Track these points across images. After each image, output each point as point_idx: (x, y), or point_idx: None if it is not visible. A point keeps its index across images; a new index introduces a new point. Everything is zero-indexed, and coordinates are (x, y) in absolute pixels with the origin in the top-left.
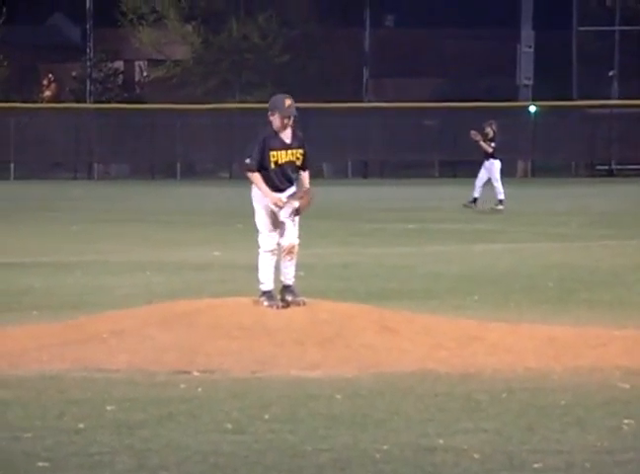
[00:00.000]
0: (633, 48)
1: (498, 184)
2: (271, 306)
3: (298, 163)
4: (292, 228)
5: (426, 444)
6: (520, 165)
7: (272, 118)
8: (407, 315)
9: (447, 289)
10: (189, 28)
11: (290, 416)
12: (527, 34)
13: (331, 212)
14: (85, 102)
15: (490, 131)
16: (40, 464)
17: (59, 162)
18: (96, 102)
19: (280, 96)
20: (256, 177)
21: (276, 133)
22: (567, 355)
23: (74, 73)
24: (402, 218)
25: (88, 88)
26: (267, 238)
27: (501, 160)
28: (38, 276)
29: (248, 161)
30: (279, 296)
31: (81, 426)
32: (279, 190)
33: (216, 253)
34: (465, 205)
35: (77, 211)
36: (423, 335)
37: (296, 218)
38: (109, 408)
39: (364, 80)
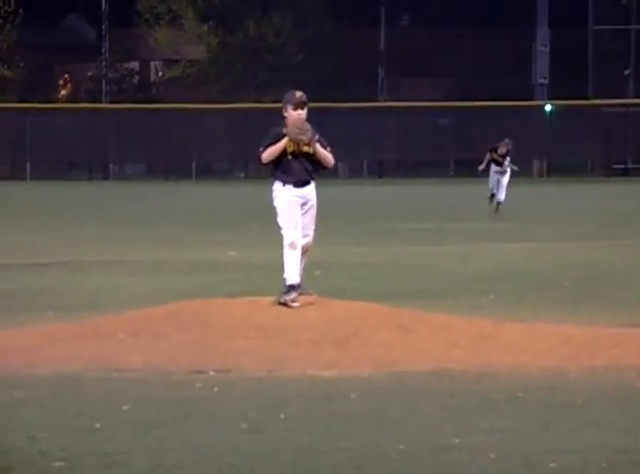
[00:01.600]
0: None
1: (503, 191)
2: (293, 300)
3: (314, 158)
4: (311, 228)
5: (442, 443)
6: (536, 164)
7: (286, 113)
8: (423, 314)
9: (463, 289)
10: (205, 28)
11: (306, 415)
12: (543, 33)
13: (346, 212)
14: (101, 102)
15: (503, 150)
16: (57, 464)
17: (75, 162)
18: (111, 102)
19: (290, 91)
20: (267, 150)
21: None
22: (583, 355)
23: (90, 73)
24: (418, 217)
25: (104, 88)
26: (291, 232)
27: (512, 171)
28: (53, 277)
29: (260, 149)
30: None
31: (97, 425)
32: (299, 182)
33: (232, 253)
34: (492, 204)
35: (93, 211)
36: (438, 334)
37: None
38: (125, 407)
39: (380, 79)
